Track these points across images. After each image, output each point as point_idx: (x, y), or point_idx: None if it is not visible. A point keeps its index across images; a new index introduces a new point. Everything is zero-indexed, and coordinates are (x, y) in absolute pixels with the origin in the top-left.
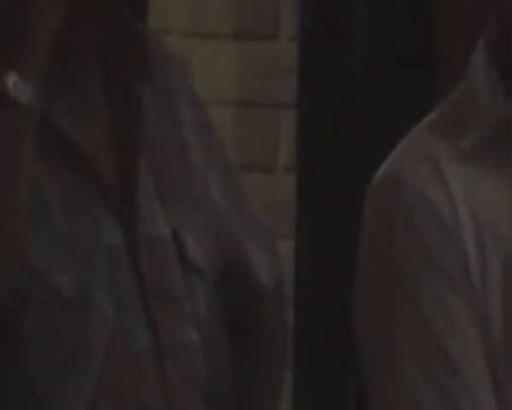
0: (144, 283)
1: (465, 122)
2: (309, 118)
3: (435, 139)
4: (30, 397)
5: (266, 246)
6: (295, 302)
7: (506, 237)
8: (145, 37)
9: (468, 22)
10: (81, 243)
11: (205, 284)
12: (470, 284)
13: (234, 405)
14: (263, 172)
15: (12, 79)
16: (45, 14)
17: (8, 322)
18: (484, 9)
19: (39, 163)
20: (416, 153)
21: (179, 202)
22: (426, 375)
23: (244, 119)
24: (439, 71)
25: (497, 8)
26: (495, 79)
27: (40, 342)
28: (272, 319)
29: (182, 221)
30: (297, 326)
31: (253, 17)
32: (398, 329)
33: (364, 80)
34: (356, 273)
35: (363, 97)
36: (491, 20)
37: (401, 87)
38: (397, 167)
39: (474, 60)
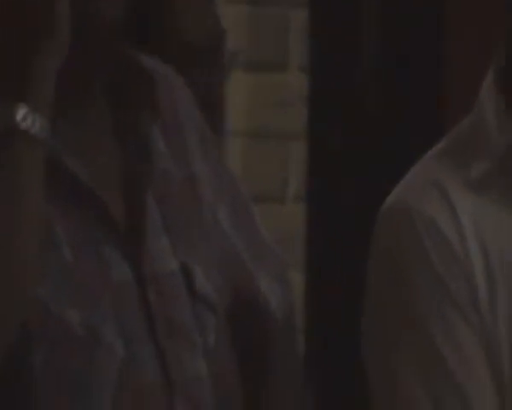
0: (153, 317)
1: (474, 151)
2: (318, 148)
3: (444, 168)
4: None
5: (276, 274)
6: (305, 332)
7: (510, 262)
8: (154, 72)
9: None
10: (90, 279)
11: (215, 315)
12: (479, 312)
13: None
14: (273, 203)
15: (21, 112)
16: (49, 46)
17: (18, 360)
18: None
19: (48, 200)
20: (426, 181)
21: (188, 234)
22: (431, 399)
23: (254, 150)
24: (451, 101)
25: (505, 35)
26: (503, 107)
27: (50, 380)
28: (283, 346)
29: (190, 254)
30: (307, 356)
31: (263, 48)
32: (406, 355)
33: (375, 109)
34: (364, 301)
35: (373, 126)
36: (498, 49)
37: (412, 114)
38: (406, 195)
39: (483, 89)
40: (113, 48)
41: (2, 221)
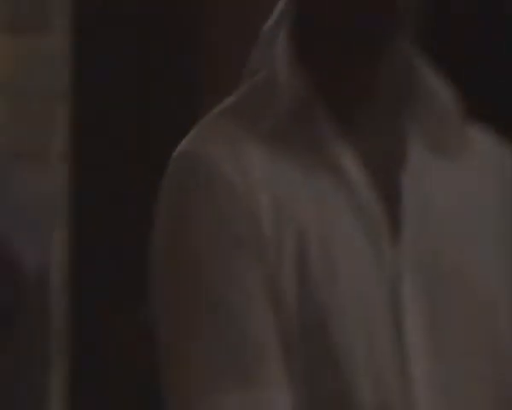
0: None
1: (266, 103)
2: (83, 108)
3: (236, 120)
4: None
5: (32, 235)
6: (71, 288)
7: (298, 211)
8: None
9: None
10: None
11: None
12: (265, 258)
13: None
14: (36, 160)
15: None
16: None
17: None
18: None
19: None
20: (215, 131)
21: None
22: (219, 346)
23: (17, 107)
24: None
25: None
26: (295, 63)
27: None
28: (35, 304)
29: None
30: (72, 312)
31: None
32: (192, 301)
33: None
34: (150, 248)
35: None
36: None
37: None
38: (195, 144)
39: (276, 45)
40: None
41: None
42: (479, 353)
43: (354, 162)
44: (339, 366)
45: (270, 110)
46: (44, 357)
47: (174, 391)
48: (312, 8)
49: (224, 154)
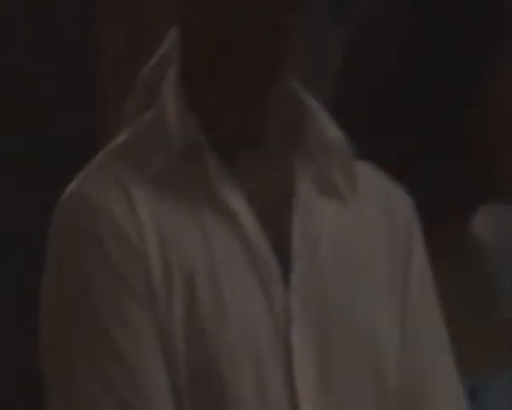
0: None
1: (154, 146)
2: None
3: (124, 162)
4: None
5: None
6: None
7: (187, 254)
8: None
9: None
10: None
11: None
12: (153, 300)
13: None
14: None
15: None
16: None
17: None
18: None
19: None
20: (104, 174)
21: None
22: (105, 387)
23: None
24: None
25: (180, 38)
26: (184, 105)
27: None
28: None
29: None
30: None
31: None
32: (79, 343)
33: None
34: (41, 287)
35: None
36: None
37: None
38: (84, 186)
39: (165, 87)
40: None
41: None
42: (366, 393)
43: (243, 203)
44: (229, 408)
45: (160, 152)
46: None
47: None
48: (196, 52)
49: (114, 196)
